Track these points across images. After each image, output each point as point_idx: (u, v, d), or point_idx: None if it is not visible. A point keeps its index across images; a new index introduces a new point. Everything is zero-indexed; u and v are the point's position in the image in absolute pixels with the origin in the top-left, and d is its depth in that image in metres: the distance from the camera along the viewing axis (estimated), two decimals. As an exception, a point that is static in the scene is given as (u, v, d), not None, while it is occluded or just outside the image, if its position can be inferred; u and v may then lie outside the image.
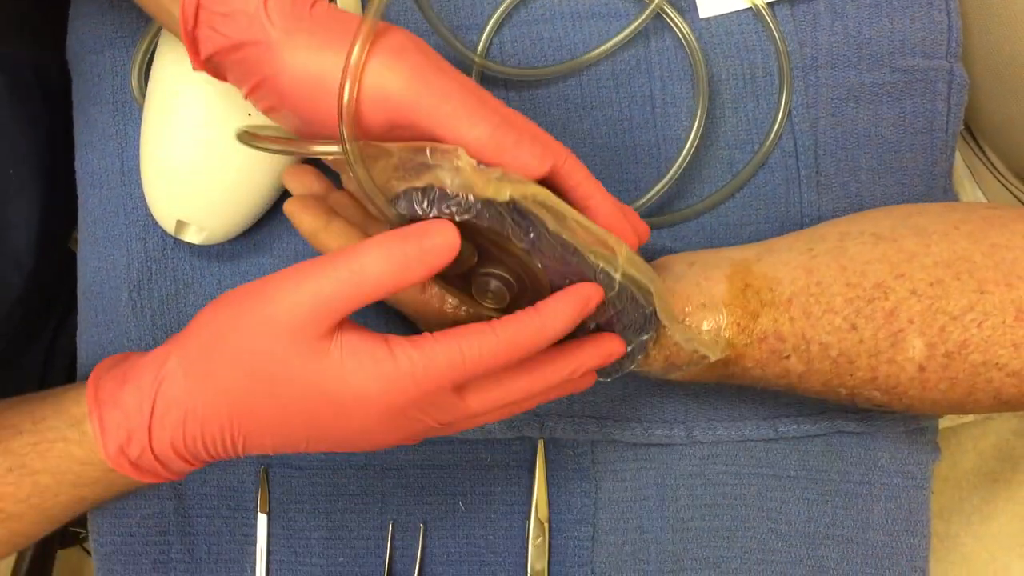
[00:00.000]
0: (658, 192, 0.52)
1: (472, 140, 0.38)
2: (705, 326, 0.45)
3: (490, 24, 0.54)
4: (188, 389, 0.38)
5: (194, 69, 0.42)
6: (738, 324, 0.45)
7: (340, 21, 0.39)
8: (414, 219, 0.38)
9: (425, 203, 0.37)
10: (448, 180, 0.37)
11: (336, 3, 0.49)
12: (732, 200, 0.55)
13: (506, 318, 0.37)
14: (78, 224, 0.56)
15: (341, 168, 0.43)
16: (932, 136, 0.54)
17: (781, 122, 0.54)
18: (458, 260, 0.38)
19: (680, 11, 0.54)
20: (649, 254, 0.54)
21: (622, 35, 0.53)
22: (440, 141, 0.38)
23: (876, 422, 0.53)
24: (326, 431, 0.38)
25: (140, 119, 0.52)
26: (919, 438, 0.54)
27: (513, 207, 0.38)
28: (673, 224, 0.55)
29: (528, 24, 0.55)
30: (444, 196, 0.37)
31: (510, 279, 0.41)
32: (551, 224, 0.38)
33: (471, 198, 0.37)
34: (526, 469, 0.54)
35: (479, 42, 0.54)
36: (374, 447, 0.39)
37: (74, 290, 0.56)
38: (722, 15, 0.54)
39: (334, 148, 0.38)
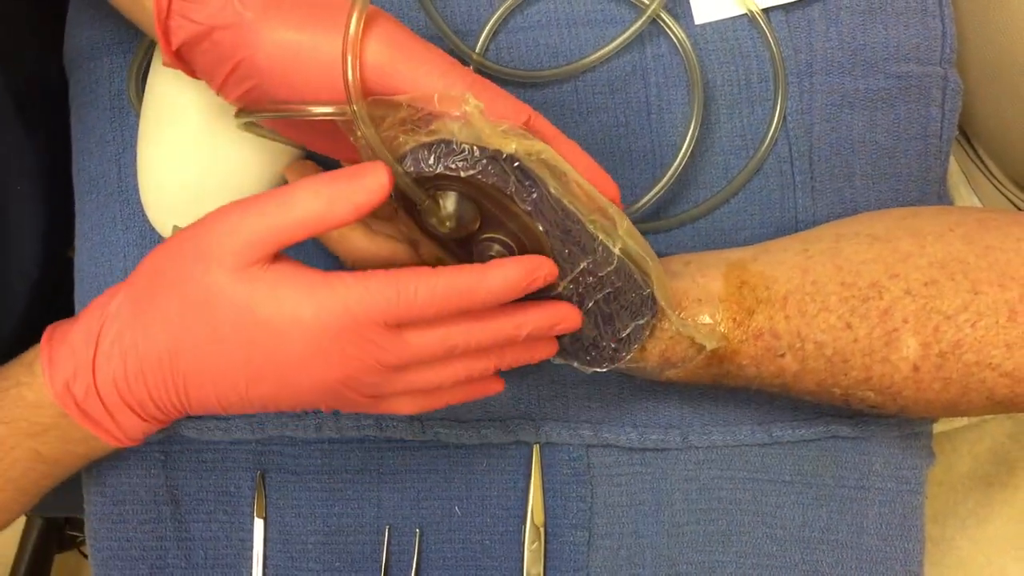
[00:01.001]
0: (653, 197, 0.53)
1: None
2: (701, 320, 0.45)
3: (486, 30, 0.54)
4: (130, 322, 0.39)
5: (164, 63, 0.42)
6: (734, 319, 0.45)
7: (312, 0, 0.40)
8: (420, 176, 0.38)
9: (431, 159, 0.38)
10: (456, 128, 0.37)
11: None
12: (727, 205, 0.55)
13: (449, 267, 0.38)
14: (75, 230, 0.56)
15: (345, 131, 0.43)
16: (927, 142, 0.54)
17: (776, 128, 0.54)
18: (460, 224, 0.38)
19: (675, 17, 0.54)
20: (645, 259, 0.54)
21: (618, 41, 0.53)
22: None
23: (871, 427, 0.53)
24: (263, 365, 0.37)
25: (137, 125, 0.53)
26: (914, 443, 0.54)
27: (517, 166, 0.38)
28: (669, 229, 0.55)
29: (524, 30, 0.55)
30: (450, 151, 0.37)
31: (512, 244, 0.41)
32: (553, 187, 0.39)
33: (476, 152, 0.37)
34: (522, 474, 0.54)
35: (475, 48, 0.54)
36: (311, 390, 0.38)
37: (71, 295, 0.56)
38: (717, 21, 0.54)
39: (333, 108, 0.38)
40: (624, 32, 0.53)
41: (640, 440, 0.54)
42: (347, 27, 0.37)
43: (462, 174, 0.37)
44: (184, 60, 0.42)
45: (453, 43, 0.53)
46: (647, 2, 0.52)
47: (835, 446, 0.54)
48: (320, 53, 0.39)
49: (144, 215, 0.53)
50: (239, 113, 0.42)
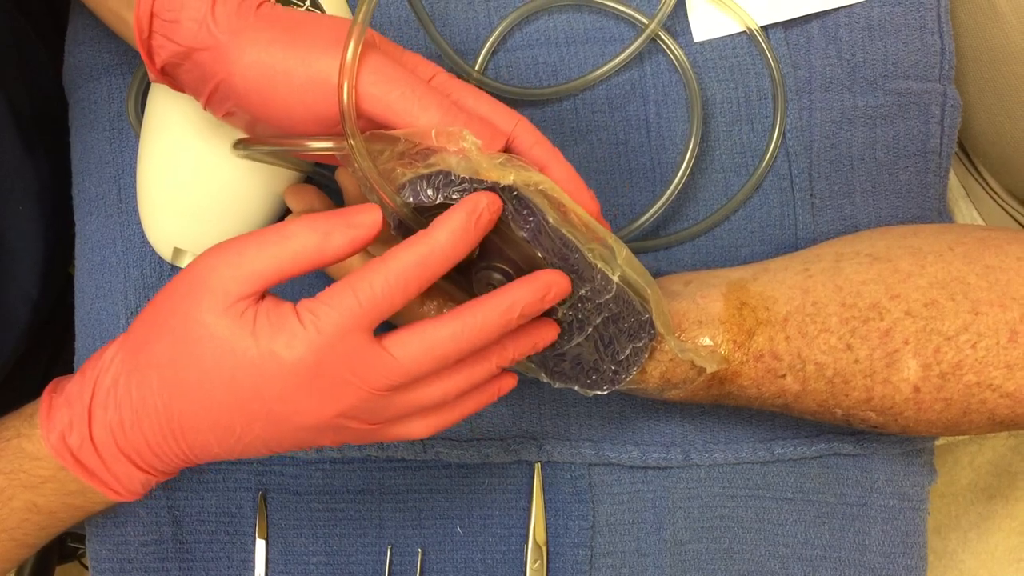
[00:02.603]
0: (653, 215, 0.53)
1: (424, 126, 0.39)
2: (701, 342, 0.45)
3: (485, 48, 0.54)
4: (125, 370, 0.38)
5: (151, 80, 0.43)
6: (734, 341, 0.45)
7: (286, 19, 0.40)
8: (420, 207, 0.38)
9: (430, 190, 0.38)
10: (454, 162, 0.37)
11: (322, 5, 0.49)
12: (727, 223, 0.55)
13: (395, 248, 0.37)
14: (75, 250, 0.56)
15: (343, 163, 0.43)
16: (926, 158, 0.54)
17: (776, 145, 0.54)
18: None
19: (674, 35, 0.54)
20: (645, 276, 0.54)
21: (617, 59, 0.53)
22: (391, 126, 0.39)
23: (872, 444, 0.53)
24: (252, 406, 0.37)
25: (136, 146, 0.53)
26: (915, 460, 0.54)
27: (516, 195, 0.38)
28: (669, 246, 0.55)
29: (523, 49, 0.55)
30: (449, 182, 0.37)
31: (511, 272, 0.41)
32: (551, 216, 0.39)
33: (474, 184, 0.37)
34: (524, 493, 0.54)
35: (475, 66, 0.54)
36: (308, 428, 0.38)
37: (70, 314, 0.56)
38: (716, 39, 0.54)
39: (330, 143, 0.38)
40: (623, 51, 0.53)
41: (642, 458, 0.54)
42: (343, 58, 0.38)
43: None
44: (170, 76, 0.43)
45: (453, 61, 0.53)
46: (645, 21, 0.53)
47: (837, 463, 0.54)
48: (295, 77, 0.39)
49: (144, 235, 0.53)
50: (237, 144, 0.42)
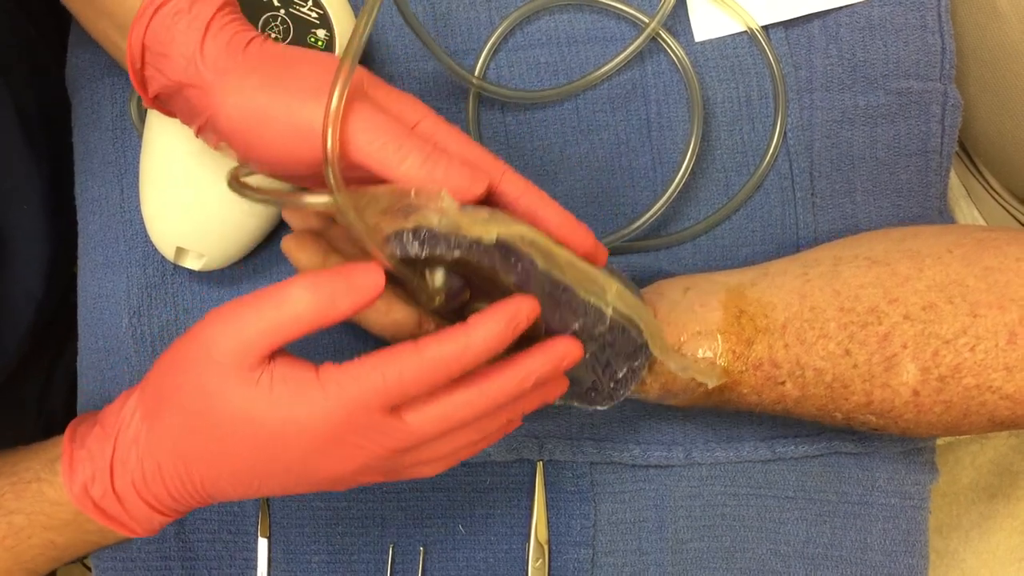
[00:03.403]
0: (654, 214, 0.53)
1: (402, 174, 0.38)
2: (700, 354, 0.45)
3: (486, 48, 0.54)
4: (143, 428, 0.39)
5: (145, 106, 0.43)
6: (733, 351, 0.45)
7: (274, 59, 0.40)
8: (405, 259, 0.38)
9: (416, 244, 0.38)
10: (435, 221, 0.37)
11: (324, 4, 0.50)
12: (728, 222, 0.55)
13: (432, 336, 0.37)
14: (78, 250, 0.56)
15: (333, 213, 0.43)
16: (927, 158, 0.54)
17: (777, 144, 0.54)
18: (450, 298, 0.38)
19: (675, 35, 0.54)
20: (646, 275, 0.54)
21: (618, 59, 0.53)
22: (373, 173, 0.39)
23: (874, 443, 0.53)
24: (271, 466, 0.38)
25: (139, 146, 0.53)
26: (917, 458, 0.54)
27: (503, 245, 0.38)
28: (670, 246, 0.55)
29: (524, 49, 0.55)
30: (434, 236, 0.37)
31: None
32: (541, 262, 0.39)
33: (459, 239, 0.37)
34: (525, 492, 0.54)
35: (476, 66, 0.54)
36: (326, 481, 0.39)
37: (74, 313, 0.56)
38: (717, 38, 0.54)
39: (324, 199, 0.38)
40: (623, 50, 0.53)
41: (643, 457, 0.54)
42: (327, 108, 0.37)
43: (447, 257, 0.38)
44: (163, 104, 0.43)
45: (452, 69, 0.53)
46: (646, 20, 0.53)
47: (838, 462, 0.54)
48: (278, 124, 0.39)
49: (147, 235, 0.53)
50: (230, 183, 0.42)
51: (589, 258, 0.42)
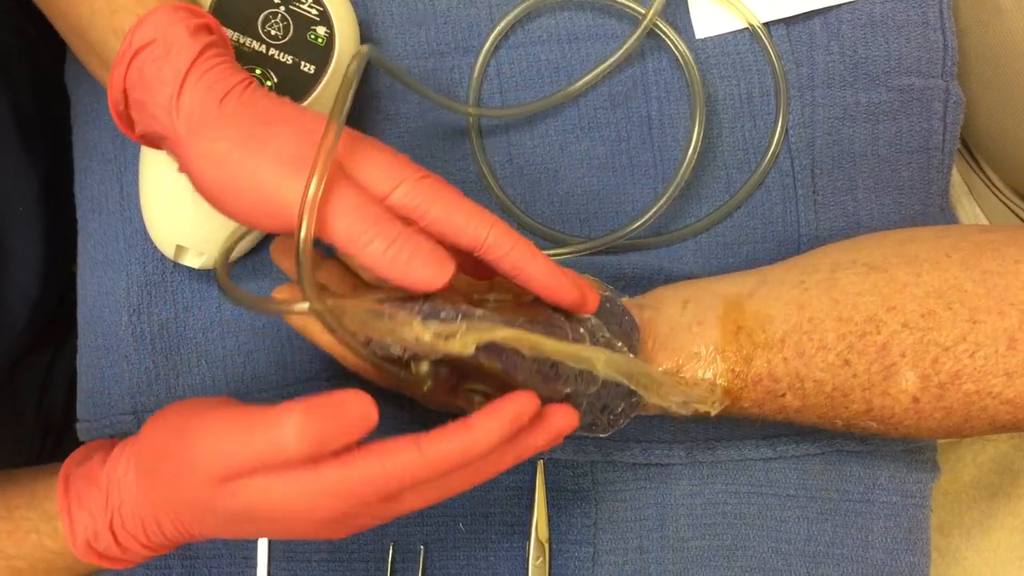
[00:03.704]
0: (656, 212, 0.52)
1: (367, 257, 0.37)
2: (700, 374, 0.45)
3: (486, 45, 0.54)
4: (140, 499, 0.41)
5: (134, 140, 0.43)
6: (733, 371, 0.45)
7: (250, 118, 0.39)
8: (387, 358, 0.39)
9: (398, 348, 0.38)
10: (411, 341, 0.38)
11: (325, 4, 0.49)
12: (729, 219, 0.55)
13: (435, 435, 0.36)
14: (78, 248, 0.56)
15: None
16: (928, 155, 0.54)
17: (778, 141, 0.54)
18: (438, 385, 0.39)
19: (676, 32, 0.54)
20: (647, 273, 0.54)
21: (617, 55, 0.53)
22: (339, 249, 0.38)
23: (875, 441, 0.53)
24: (272, 536, 0.40)
25: (139, 144, 0.52)
26: (918, 457, 0.54)
27: (485, 346, 0.38)
28: (671, 243, 0.55)
29: (525, 46, 0.55)
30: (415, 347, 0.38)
31: (495, 392, 0.41)
32: (527, 352, 0.39)
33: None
34: (526, 490, 0.54)
35: (476, 64, 0.54)
36: (327, 538, 0.41)
37: (73, 311, 0.56)
38: (718, 35, 0.54)
39: (304, 307, 0.38)
40: (620, 47, 0.52)
41: (644, 456, 0.54)
42: (296, 236, 0.36)
43: (430, 357, 0.38)
44: (151, 143, 0.43)
45: (448, 106, 0.52)
46: (643, 12, 0.52)
47: (840, 460, 0.54)
48: (246, 193, 0.38)
49: (146, 233, 0.53)
50: (219, 280, 0.42)
51: (577, 309, 0.42)
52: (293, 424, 0.35)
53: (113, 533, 0.41)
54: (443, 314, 0.39)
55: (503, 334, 0.38)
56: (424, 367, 0.39)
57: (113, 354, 0.55)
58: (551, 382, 0.41)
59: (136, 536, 0.41)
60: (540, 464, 0.54)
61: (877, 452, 0.54)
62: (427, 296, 0.40)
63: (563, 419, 0.40)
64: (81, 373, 0.56)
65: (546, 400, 0.40)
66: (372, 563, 0.54)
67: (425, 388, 0.40)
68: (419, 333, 0.37)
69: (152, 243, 0.53)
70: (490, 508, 0.54)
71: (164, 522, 0.40)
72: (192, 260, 0.52)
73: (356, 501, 0.36)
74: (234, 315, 0.54)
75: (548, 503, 0.54)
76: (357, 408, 0.36)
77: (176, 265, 0.54)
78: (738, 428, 0.54)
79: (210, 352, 0.55)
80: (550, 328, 0.41)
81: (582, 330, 0.43)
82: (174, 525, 0.40)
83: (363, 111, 0.55)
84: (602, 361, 0.41)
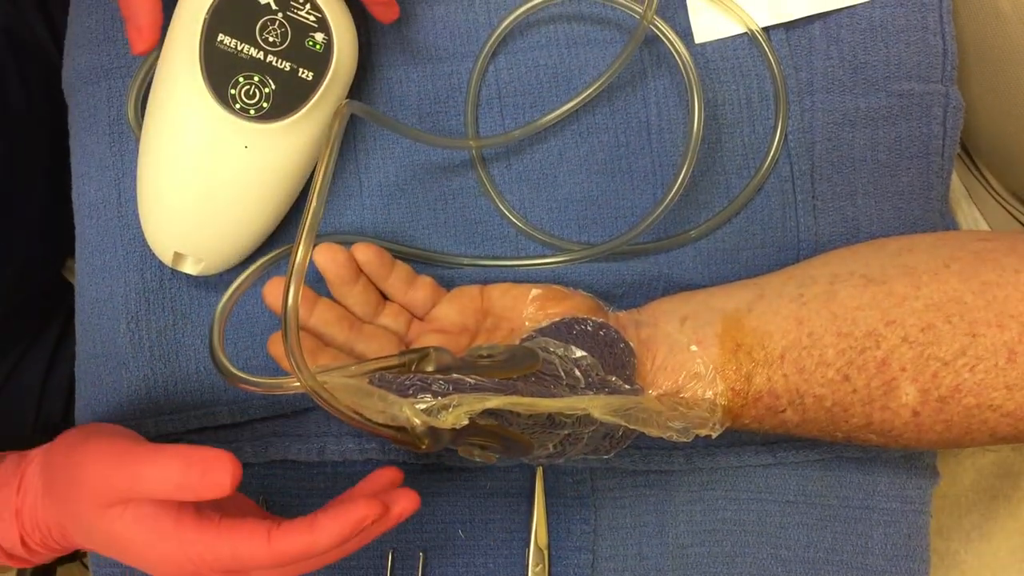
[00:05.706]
0: (655, 218, 0.52)
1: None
2: (700, 394, 0.45)
3: (484, 51, 0.54)
4: (42, 501, 0.44)
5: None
6: (733, 389, 0.45)
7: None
8: (383, 424, 0.40)
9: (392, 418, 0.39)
10: (403, 421, 0.39)
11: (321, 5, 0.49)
12: (729, 225, 0.54)
13: (284, 529, 0.39)
14: (75, 254, 0.56)
15: None
16: (928, 160, 0.54)
17: (777, 147, 0.54)
18: (435, 443, 0.39)
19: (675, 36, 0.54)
20: (647, 279, 0.54)
21: (615, 67, 0.52)
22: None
23: (875, 448, 0.53)
24: (138, 567, 0.42)
25: (137, 150, 0.52)
26: (918, 463, 0.54)
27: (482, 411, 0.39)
28: (670, 249, 0.55)
29: (524, 51, 0.55)
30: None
31: (493, 444, 0.42)
32: (523, 411, 0.40)
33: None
34: (525, 496, 0.54)
35: (475, 69, 0.54)
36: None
37: (69, 315, 0.56)
38: (717, 40, 0.54)
39: (298, 384, 0.40)
40: (620, 54, 0.52)
41: (644, 462, 0.53)
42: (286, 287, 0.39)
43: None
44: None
45: (448, 144, 0.53)
46: (640, 11, 0.52)
47: (839, 466, 0.54)
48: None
49: (144, 240, 0.53)
50: (219, 364, 0.45)
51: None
52: (162, 470, 0.39)
53: (23, 542, 0.44)
54: (435, 387, 0.39)
55: (496, 402, 0.39)
56: (420, 429, 0.39)
57: (111, 361, 0.55)
58: (549, 430, 0.42)
59: (44, 541, 0.44)
60: (539, 471, 0.54)
61: (877, 458, 0.54)
62: (418, 364, 0.41)
63: (405, 504, 0.42)
64: (79, 380, 0.55)
65: (541, 444, 0.42)
66: (371, 570, 0.54)
67: (423, 447, 0.40)
68: (410, 416, 0.38)
69: (150, 250, 0.53)
70: (490, 514, 0.54)
71: (68, 528, 0.43)
72: (190, 267, 0.51)
73: (203, 565, 0.40)
74: (232, 323, 0.54)
75: (547, 509, 0.54)
76: (219, 467, 0.39)
77: (174, 272, 0.54)
78: (737, 434, 0.54)
79: (208, 359, 0.55)
80: (543, 380, 0.42)
81: (577, 372, 0.43)
82: (76, 533, 0.43)
83: (360, 120, 0.55)
84: (598, 409, 0.41)
